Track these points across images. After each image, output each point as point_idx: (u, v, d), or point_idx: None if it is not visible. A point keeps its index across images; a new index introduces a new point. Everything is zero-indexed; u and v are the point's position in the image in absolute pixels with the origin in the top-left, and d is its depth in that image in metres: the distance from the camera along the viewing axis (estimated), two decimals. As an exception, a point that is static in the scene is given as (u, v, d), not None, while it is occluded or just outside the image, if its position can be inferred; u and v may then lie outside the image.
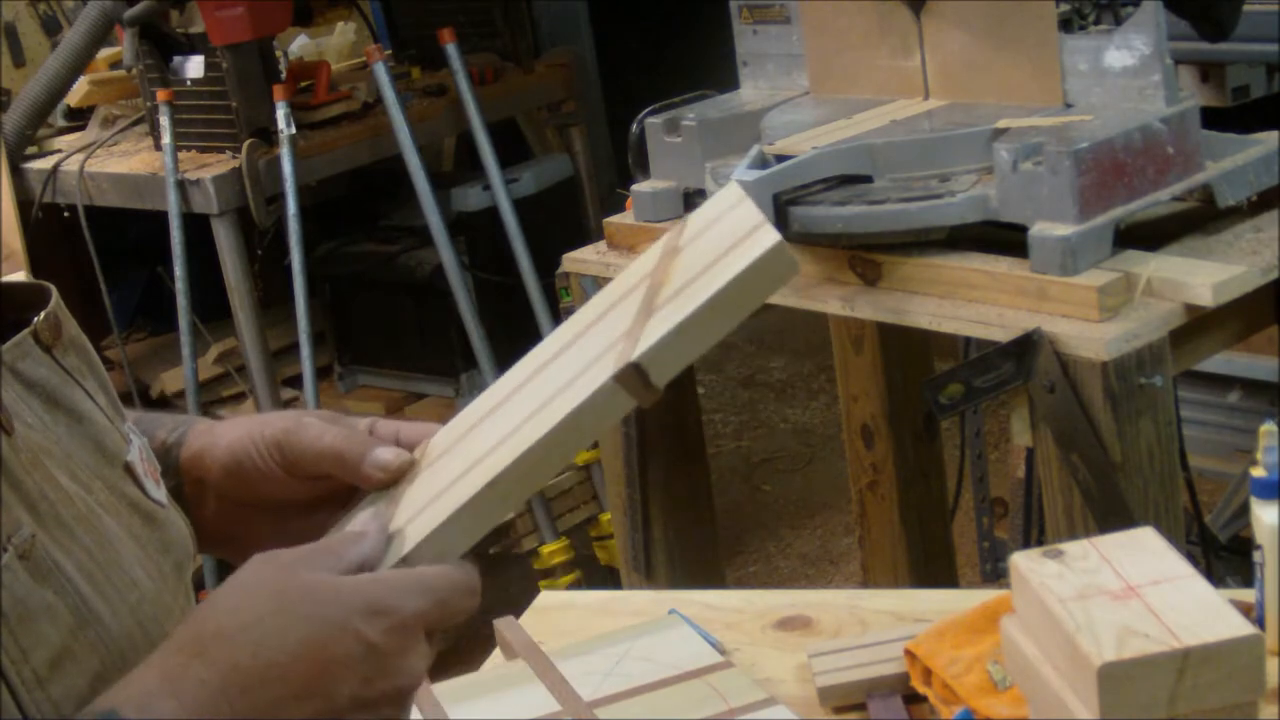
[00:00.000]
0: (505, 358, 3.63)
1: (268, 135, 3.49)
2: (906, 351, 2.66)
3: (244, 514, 1.09)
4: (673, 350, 0.95)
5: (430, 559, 0.94)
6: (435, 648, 0.93)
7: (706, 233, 0.99)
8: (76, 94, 3.95)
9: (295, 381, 3.74)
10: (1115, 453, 1.82)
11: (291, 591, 0.89)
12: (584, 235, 3.52)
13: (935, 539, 2.77)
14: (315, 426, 1.06)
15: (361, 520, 0.98)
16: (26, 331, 0.94)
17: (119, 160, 3.76)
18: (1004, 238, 1.96)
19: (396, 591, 0.90)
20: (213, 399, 3.96)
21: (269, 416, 1.09)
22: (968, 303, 1.95)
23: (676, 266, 0.98)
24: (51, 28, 4.47)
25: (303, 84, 3.80)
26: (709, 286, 0.94)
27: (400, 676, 0.89)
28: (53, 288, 0.98)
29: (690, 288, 0.95)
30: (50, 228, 3.84)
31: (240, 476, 1.08)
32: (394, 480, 1.02)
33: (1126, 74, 1.99)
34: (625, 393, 0.95)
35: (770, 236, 0.93)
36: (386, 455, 1.03)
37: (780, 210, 2.01)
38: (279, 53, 3.75)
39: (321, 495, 1.08)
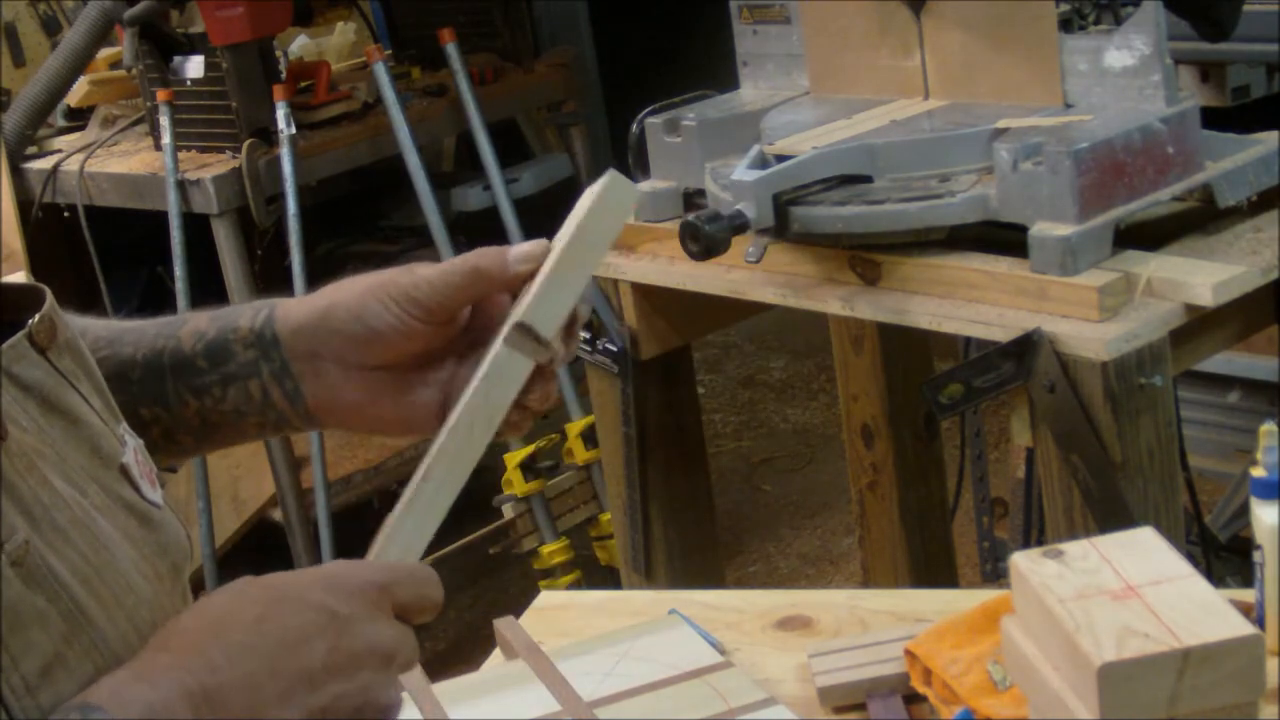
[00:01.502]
0: (505, 358, 3.63)
1: (268, 135, 3.49)
2: (906, 351, 2.66)
3: (367, 378, 1.10)
4: (549, 300, 1.02)
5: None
6: (410, 631, 0.94)
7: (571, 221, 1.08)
8: (76, 94, 3.95)
9: (295, 381, 3.73)
10: (1115, 453, 1.82)
11: (249, 586, 0.92)
12: (584, 235, 3.51)
13: (935, 539, 2.77)
14: (431, 267, 1.08)
15: None
16: (22, 334, 0.94)
17: (119, 160, 3.76)
18: (1004, 238, 1.96)
19: (352, 567, 0.94)
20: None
21: (372, 278, 1.10)
22: (968, 303, 1.95)
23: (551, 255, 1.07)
24: (51, 28, 4.47)
25: (303, 84, 3.80)
26: (566, 236, 1.03)
27: (369, 638, 0.91)
28: (47, 290, 0.98)
29: (555, 248, 1.04)
30: (50, 227, 3.84)
31: (368, 340, 1.09)
32: (538, 266, 1.05)
33: (1126, 74, 1.99)
34: (519, 354, 1.02)
35: (607, 175, 1.04)
36: (524, 247, 1.07)
37: (780, 210, 2.01)
38: (279, 53, 3.75)
39: (443, 345, 1.10)
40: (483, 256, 1.07)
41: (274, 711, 0.88)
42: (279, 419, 1.12)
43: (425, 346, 1.10)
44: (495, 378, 1.01)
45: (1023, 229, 1.91)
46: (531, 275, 1.06)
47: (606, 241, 1.05)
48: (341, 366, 1.10)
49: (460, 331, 1.11)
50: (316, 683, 0.89)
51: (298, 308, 1.12)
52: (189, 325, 1.14)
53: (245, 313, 1.13)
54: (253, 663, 0.88)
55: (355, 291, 1.10)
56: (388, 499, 3.14)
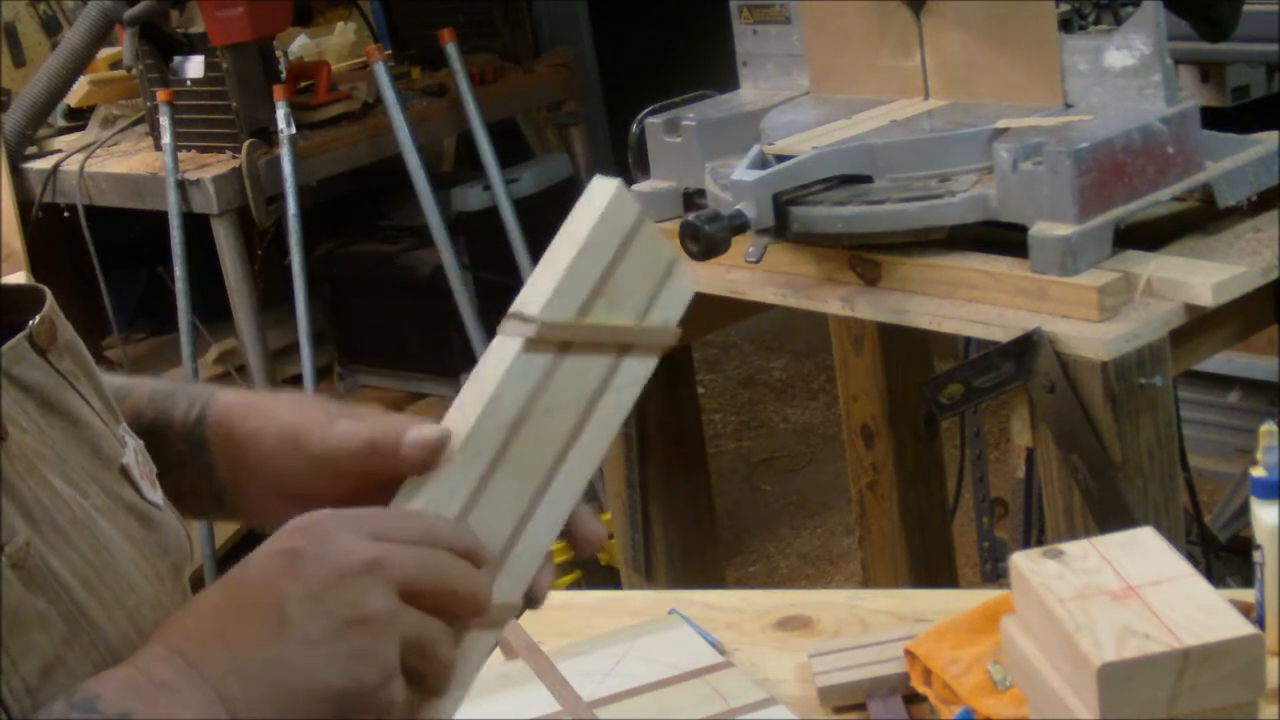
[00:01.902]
0: (505, 358, 3.63)
1: (268, 135, 3.49)
2: (906, 351, 2.66)
3: (290, 500, 1.07)
4: (533, 287, 1.00)
5: None
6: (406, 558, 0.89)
7: None
8: (76, 94, 3.95)
9: (295, 381, 3.74)
10: (1115, 453, 1.82)
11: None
12: (584, 235, 3.52)
13: (935, 539, 2.77)
14: (342, 431, 1.03)
15: None
16: (22, 335, 0.94)
17: (119, 160, 3.76)
18: (1004, 238, 1.96)
19: (311, 512, 0.91)
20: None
21: (295, 419, 1.06)
22: (968, 303, 1.95)
23: None
24: (51, 28, 4.47)
25: (303, 84, 3.80)
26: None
27: (331, 557, 0.87)
28: (48, 291, 0.98)
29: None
30: (50, 228, 3.84)
31: (282, 481, 1.07)
32: (432, 458, 0.97)
33: (1126, 74, 1.99)
34: (504, 335, 0.98)
35: (593, 179, 1.04)
36: (424, 430, 0.97)
37: (780, 210, 2.01)
38: (279, 53, 3.76)
39: (360, 492, 1.04)
40: (380, 428, 1.01)
41: (255, 652, 0.86)
42: (209, 510, 1.13)
43: (330, 493, 1.05)
44: (487, 359, 0.98)
45: (1023, 229, 1.91)
46: (424, 463, 0.98)
47: (579, 237, 1.02)
48: (260, 489, 1.09)
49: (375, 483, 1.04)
50: (287, 618, 0.86)
51: (226, 417, 1.10)
52: (129, 400, 1.13)
53: (180, 403, 1.12)
54: (219, 619, 0.87)
55: (275, 433, 1.06)
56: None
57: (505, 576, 0.97)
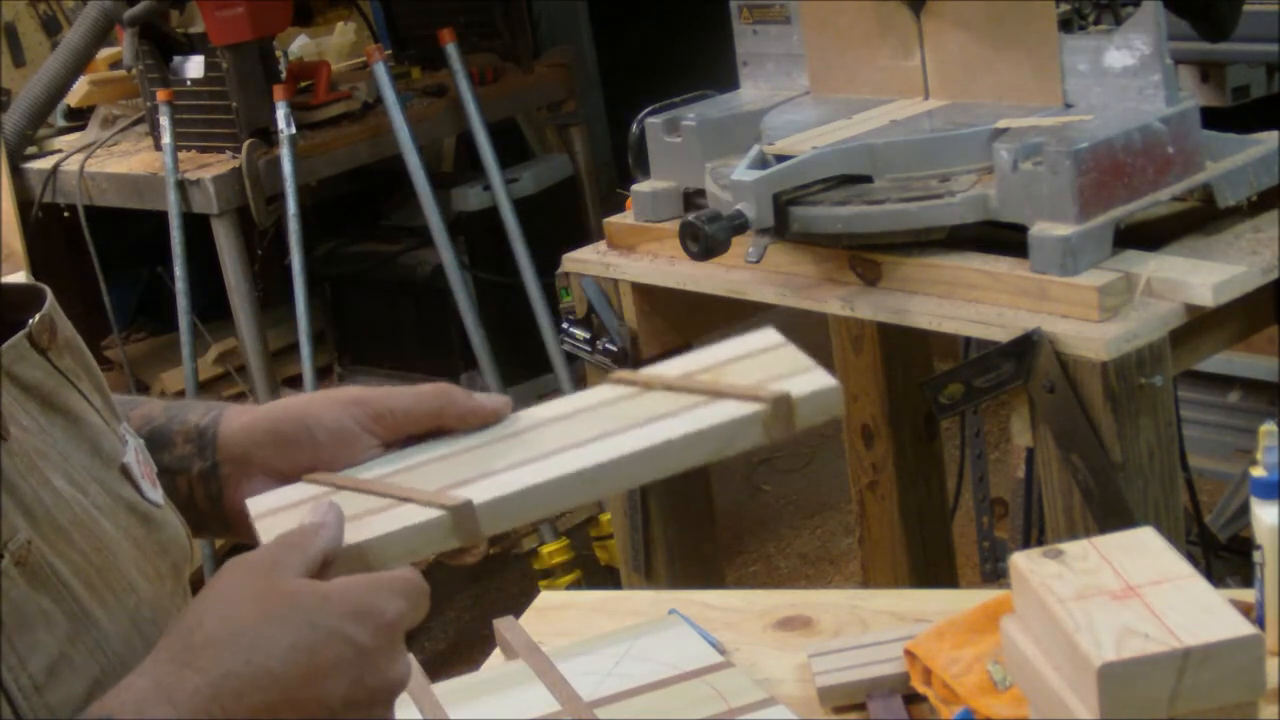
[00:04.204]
0: (505, 358, 3.64)
1: (268, 135, 3.49)
2: (906, 351, 2.66)
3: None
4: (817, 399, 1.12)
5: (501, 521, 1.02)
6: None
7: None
8: (76, 94, 3.95)
9: (295, 381, 3.74)
10: (1115, 453, 1.82)
11: (277, 599, 0.90)
12: (584, 235, 3.52)
13: (935, 539, 2.77)
14: (402, 389, 1.12)
15: (320, 510, 0.99)
16: (22, 334, 0.94)
17: (119, 160, 3.76)
18: (1004, 238, 1.96)
19: (379, 594, 0.92)
20: (213, 399, 3.96)
21: (340, 390, 1.13)
22: (968, 303, 1.95)
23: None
24: (51, 28, 4.48)
25: (303, 84, 3.80)
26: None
27: (388, 674, 0.92)
28: (48, 289, 0.98)
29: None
30: (50, 228, 3.84)
31: (302, 442, 1.09)
32: (502, 411, 1.13)
33: (1126, 74, 1.99)
34: (762, 425, 1.10)
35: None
36: (490, 396, 1.13)
37: (780, 210, 2.01)
38: (279, 53, 3.75)
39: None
40: (452, 388, 1.13)
41: None
42: (199, 520, 1.13)
43: (356, 459, 1.10)
44: (729, 430, 1.11)
45: (1023, 229, 1.91)
46: (488, 417, 1.13)
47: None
48: (266, 477, 1.10)
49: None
50: (333, 713, 0.89)
51: (246, 411, 1.13)
52: (141, 409, 1.15)
53: (198, 408, 1.15)
54: (276, 694, 0.87)
55: (307, 398, 1.13)
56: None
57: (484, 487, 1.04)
